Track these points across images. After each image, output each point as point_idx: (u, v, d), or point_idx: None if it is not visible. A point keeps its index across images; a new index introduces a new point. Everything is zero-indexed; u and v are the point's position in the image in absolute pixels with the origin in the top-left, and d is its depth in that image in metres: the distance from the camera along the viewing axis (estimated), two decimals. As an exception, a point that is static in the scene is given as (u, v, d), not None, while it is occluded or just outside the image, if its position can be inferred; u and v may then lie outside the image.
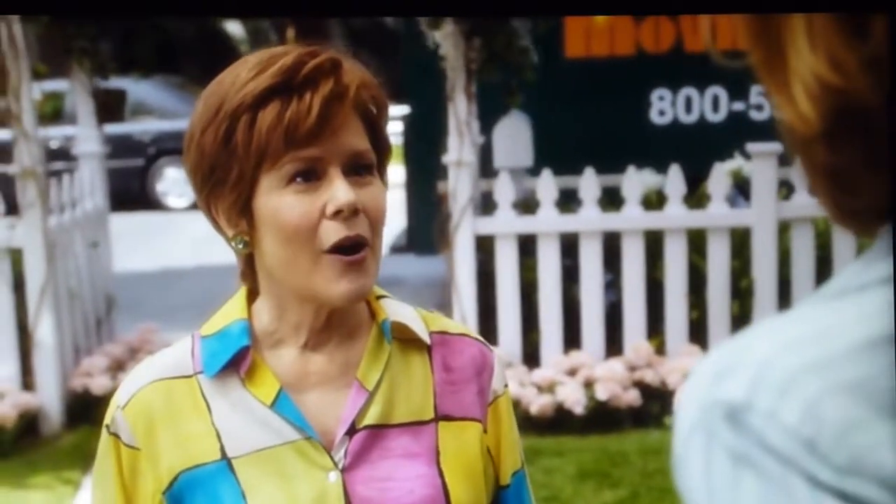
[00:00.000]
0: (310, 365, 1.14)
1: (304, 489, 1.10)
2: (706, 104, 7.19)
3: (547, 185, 4.96)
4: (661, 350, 4.96)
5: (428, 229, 6.14)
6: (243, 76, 1.07)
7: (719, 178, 4.97)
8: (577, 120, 7.05)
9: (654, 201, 5.20)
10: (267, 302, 1.15)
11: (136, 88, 11.86)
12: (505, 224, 4.98)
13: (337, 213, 1.07)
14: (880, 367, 0.50)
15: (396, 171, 8.17)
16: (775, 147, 4.85)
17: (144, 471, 1.12)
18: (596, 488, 4.16)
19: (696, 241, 4.99)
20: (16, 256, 4.95)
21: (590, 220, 4.94)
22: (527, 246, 5.00)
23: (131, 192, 11.31)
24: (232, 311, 1.16)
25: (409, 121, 7.78)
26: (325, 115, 1.06)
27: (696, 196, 5.13)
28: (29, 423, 4.85)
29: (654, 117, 7.26)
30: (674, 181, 4.95)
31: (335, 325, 1.14)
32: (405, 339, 1.18)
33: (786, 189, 5.01)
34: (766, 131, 4.94)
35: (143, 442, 1.12)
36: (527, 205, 5.15)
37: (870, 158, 0.53)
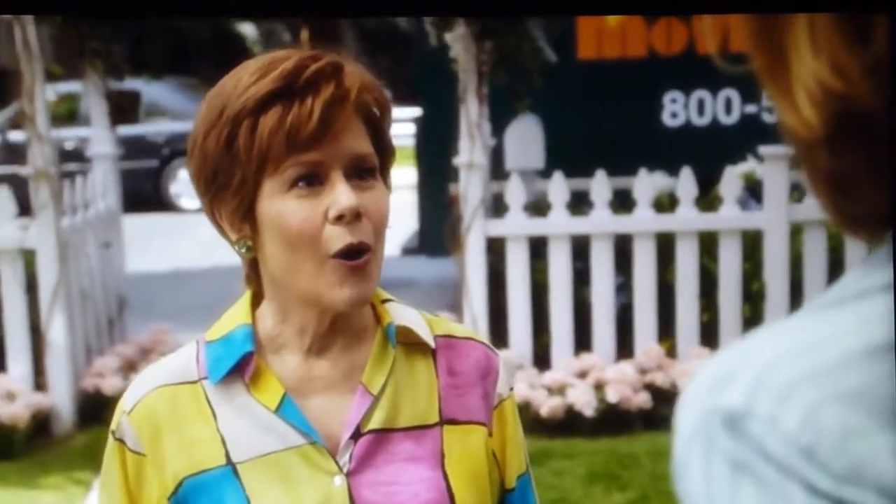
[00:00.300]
0: (314, 369, 1.14)
1: (309, 494, 1.10)
2: (719, 106, 7.16)
3: (558, 188, 4.95)
4: (671, 353, 4.95)
5: (439, 231, 6.13)
6: (245, 80, 1.07)
7: (731, 180, 4.96)
8: (589, 122, 7.03)
9: (666, 204, 5.19)
10: (271, 306, 1.15)
11: (150, 90, 11.91)
12: (516, 226, 4.98)
13: (339, 218, 1.07)
14: (880, 375, 0.50)
15: (408, 173, 8.18)
16: (788, 150, 4.82)
17: (150, 476, 1.12)
18: (606, 491, 4.15)
19: (708, 244, 4.98)
20: (29, 257, 4.97)
21: (601, 222, 4.93)
22: (538, 248, 4.99)
23: (145, 194, 11.35)
24: (236, 315, 1.16)
25: (420, 122, 7.78)
26: (326, 119, 1.06)
27: (707, 198, 5.11)
28: (41, 424, 4.87)
29: (667, 119, 7.24)
30: (685, 183, 4.94)
31: (339, 330, 1.14)
32: (410, 342, 1.17)
33: (798, 192, 4.99)
34: (778, 134, 4.92)
35: (149, 448, 1.12)
36: (538, 207, 5.15)
37: (872, 164, 0.53)
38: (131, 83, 8.90)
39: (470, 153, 4.91)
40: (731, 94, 7.13)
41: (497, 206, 5.17)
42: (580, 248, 4.97)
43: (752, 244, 4.99)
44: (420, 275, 7.22)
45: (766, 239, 4.94)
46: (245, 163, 1.07)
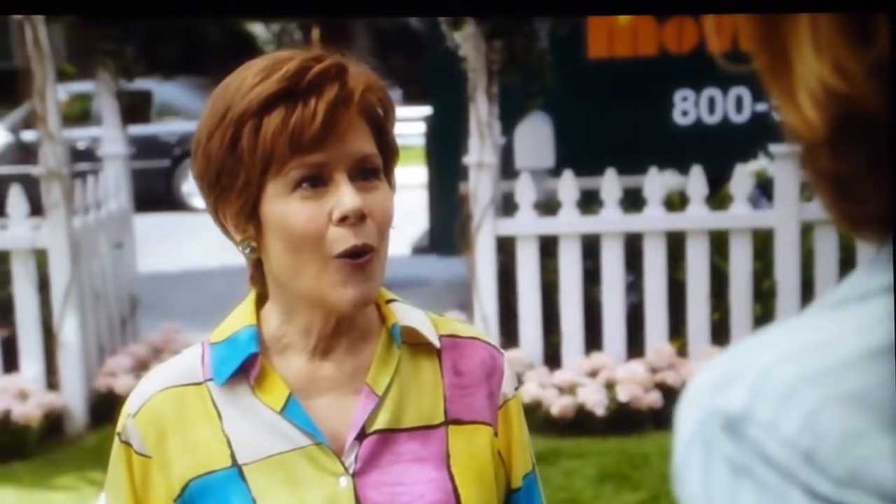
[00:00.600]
0: (319, 370, 1.14)
1: (314, 495, 1.10)
2: (729, 105, 7.14)
3: (568, 186, 4.95)
4: (682, 352, 4.94)
5: (449, 230, 6.13)
6: (249, 81, 1.07)
7: (742, 178, 4.94)
8: (599, 121, 7.02)
9: (676, 202, 5.17)
10: (276, 307, 1.15)
11: (162, 90, 11.93)
12: (526, 225, 4.97)
13: (343, 220, 1.07)
14: (881, 378, 0.49)
15: (418, 172, 8.18)
16: (798, 148, 4.81)
17: (156, 478, 1.12)
18: (616, 491, 4.15)
19: (719, 243, 4.97)
20: (40, 257, 4.99)
21: (611, 221, 4.92)
22: (548, 247, 4.99)
23: (157, 193, 11.38)
24: (241, 316, 1.16)
25: (431, 122, 7.79)
26: (330, 121, 1.06)
27: (718, 197, 5.10)
28: (53, 423, 4.89)
29: (678, 118, 7.22)
30: (695, 182, 4.93)
31: (344, 330, 1.14)
32: (415, 343, 1.17)
33: (809, 190, 4.96)
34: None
35: (155, 450, 1.12)
36: (548, 206, 5.15)
37: (874, 165, 0.53)
38: (143, 83, 8.91)
39: (480, 152, 4.91)
40: (742, 92, 7.10)
41: (507, 205, 5.17)
42: (590, 247, 4.96)
43: (762, 243, 4.97)
44: (430, 274, 7.22)
45: (777, 237, 4.92)
46: (249, 164, 1.07)
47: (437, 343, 1.18)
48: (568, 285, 4.95)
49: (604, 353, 4.94)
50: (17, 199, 4.96)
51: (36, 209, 5.02)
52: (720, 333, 4.93)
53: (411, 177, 9.11)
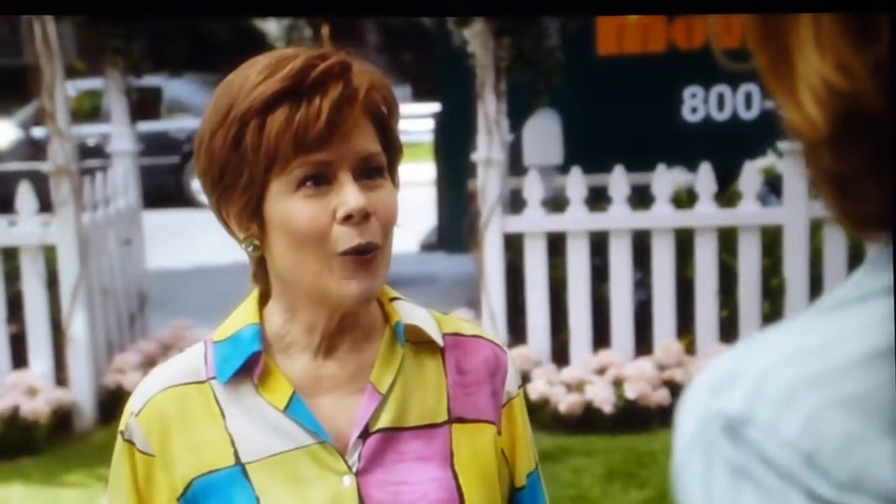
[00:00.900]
0: (322, 369, 1.14)
1: (318, 493, 1.10)
2: (739, 101, 7.12)
3: (576, 183, 4.94)
4: (690, 349, 4.93)
5: (458, 227, 6.13)
6: (252, 79, 1.07)
7: (751, 175, 4.93)
8: (608, 117, 7.01)
9: (685, 199, 5.16)
10: (279, 304, 1.14)
11: (172, 86, 11.95)
12: (534, 222, 4.97)
13: (348, 218, 1.06)
14: (881, 381, 0.49)
15: (427, 169, 8.18)
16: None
17: (159, 477, 1.12)
18: (624, 488, 4.14)
19: (727, 240, 4.95)
20: (49, 254, 5.00)
21: (619, 218, 4.92)
22: (556, 244, 4.98)
23: (166, 190, 11.40)
24: (244, 315, 1.15)
25: (439, 118, 7.78)
26: (334, 119, 1.05)
27: (727, 194, 5.09)
28: (62, 420, 4.90)
29: (687, 115, 7.21)
30: (704, 179, 4.91)
31: (348, 328, 1.14)
32: (418, 341, 1.17)
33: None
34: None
35: (158, 448, 1.12)
36: (556, 203, 5.14)
37: (875, 165, 0.52)
38: (152, 79, 8.94)
39: (488, 149, 4.90)
40: (752, 88, 7.08)
41: (515, 202, 5.16)
42: (598, 245, 4.96)
43: (771, 240, 4.96)
44: (439, 271, 7.22)
45: (786, 234, 4.91)
46: (252, 162, 1.06)
47: (440, 341, 1.17)
48: (576, 282, 4.95)
49: (612, 350, 4.93)
50: (26, 195, 4.97)
51: (45, 206, 5.04)
52: (728, 331, 4.92)
53: (420, 173, 9.11)
